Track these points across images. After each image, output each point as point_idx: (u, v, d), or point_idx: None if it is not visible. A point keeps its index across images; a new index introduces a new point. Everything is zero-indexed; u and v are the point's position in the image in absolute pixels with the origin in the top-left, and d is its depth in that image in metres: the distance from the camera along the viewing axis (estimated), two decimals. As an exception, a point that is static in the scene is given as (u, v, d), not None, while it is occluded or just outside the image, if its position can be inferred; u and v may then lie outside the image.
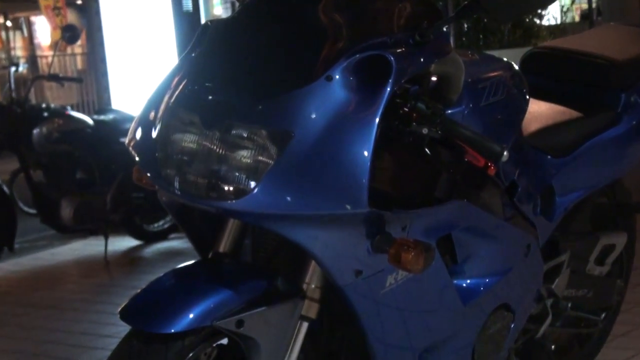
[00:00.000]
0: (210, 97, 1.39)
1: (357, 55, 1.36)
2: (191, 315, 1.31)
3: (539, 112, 2.02)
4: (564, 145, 2.01)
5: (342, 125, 1.35)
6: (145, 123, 1.46)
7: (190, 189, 1.35)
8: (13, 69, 4.80)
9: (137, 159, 1.45)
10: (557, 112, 2.06)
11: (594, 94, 2.17)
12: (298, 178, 1.31)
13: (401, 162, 1.52)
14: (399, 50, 1.40)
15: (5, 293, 3.85)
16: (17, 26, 17.52)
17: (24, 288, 3.96)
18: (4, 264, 4.24)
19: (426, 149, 1.48)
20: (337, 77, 1.35)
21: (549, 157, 1.96)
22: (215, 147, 1.33)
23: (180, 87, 1.43)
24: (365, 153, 1.32)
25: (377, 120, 1.33)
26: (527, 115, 1.87)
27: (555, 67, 2.25)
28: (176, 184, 1.36)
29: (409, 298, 1.57)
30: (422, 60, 1.45)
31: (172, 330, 1.30)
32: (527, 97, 1.83)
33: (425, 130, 1.42)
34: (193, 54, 1.51)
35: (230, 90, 1.40)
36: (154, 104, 1.47)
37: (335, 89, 1.35)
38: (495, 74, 1.76)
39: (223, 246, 1.51)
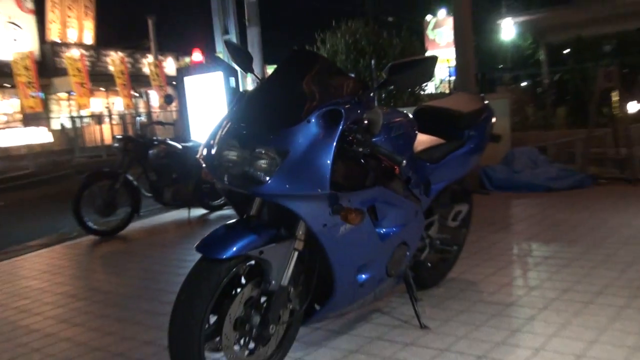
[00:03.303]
0: (244, 132, 2.28)
1: (324, 108, 2.24)
2: (234, 248, 2.16)
3: (423, 140, 3.16)
4: (436, 158, 3.16)
5: (316, 146, 2.20)
6: (209, 146, 2.36)
7: (233, 181, 2.23)
8: (138, 118, 7.96)
9: (204, 165, 2.34)
10: (432, 140, 3.26)
11: (451, 130, 3.38)
12: (292, 175, 2.15)
13: (349, 167, 2.39)
14: (347, 106, 2.28)
15: (135, 238, 6.21)
16: (140, 95, 27.42)
17: (145, 235, 6.35)
18: (135, 223, 6.69)
19: (362, 160, 2.40)
20: (313, 120, 2.21)
21: (428, 164, 3.09)
22: (247, 158, 2.19)
23: (227, 126, 2.34)
24: (328, 162, 2.19)
25: (334, 143, 2.21)
26: (417, 142, 2.97)
27: (431, 116, 3.46)
28: (226, 179, 2.25)
29: (352, 238, 2.45)
30: (359, 111, 2.32)
31: (223, 257, 2.15)
32: (416, 132, 2.91)
33: (360, 149, 2.28)
34: (234, 108, 2.42)
35: (255, 127, 2.29)
36: (213, 135, 2.37)
37: (312, 126, 2.21)
38: (399, 119, 2.77)
39: (252, 212, 2.41)
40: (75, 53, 24.28)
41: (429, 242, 3.30)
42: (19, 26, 25.05)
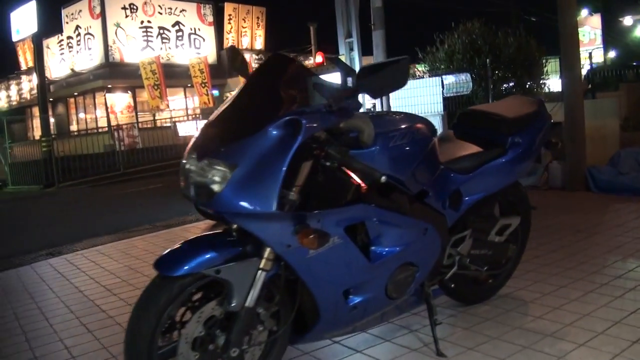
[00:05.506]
0: (202, 143, 1.89)
1: (283, 118, 1.80)
2: (187, 266, 1.80)
3: (458, 147, 2.65)
4: (468, 168, 2.57)
5: (268, 161, 1.76)
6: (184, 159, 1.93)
7: (194, 195, 1.83)
8: None
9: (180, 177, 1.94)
10: (468, 148, 2.67)
11: (492, 137, 2.73)
12: (240, 191, 1.74)
13: (325, 182, 1.91)
14: (312, 115, 1.81)
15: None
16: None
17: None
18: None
19: (339, 175, 1.93)
20: (271, 131, 1.79)
21: (458, 175, 2.51)
22: (201, 172, 1.80)
23: (195, 136, 1.96)
24: (278, 178, 1.73)
25: (289, 158, 1.75)
26: (450, 150, 2.54)
27: (473, 121, 2.86)
28: (191, 192, 1.85)
29: (327, 260, 1.96)
30: (329, 120, 1.85)
31: (174, 274, 1.81)
32: (431, 139, 2.28)
33: (327, 163, 1.84)
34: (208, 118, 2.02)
35: (212, 138, 1.90)
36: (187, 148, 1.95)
37: (268, 138, 1.78)
38: (404, 126, 2.17)
39: (222, 226, 1.99)
40: (246, 57, 25.47)
41: (458, 259, 2.65)
42: (201, 37, 26.67)
